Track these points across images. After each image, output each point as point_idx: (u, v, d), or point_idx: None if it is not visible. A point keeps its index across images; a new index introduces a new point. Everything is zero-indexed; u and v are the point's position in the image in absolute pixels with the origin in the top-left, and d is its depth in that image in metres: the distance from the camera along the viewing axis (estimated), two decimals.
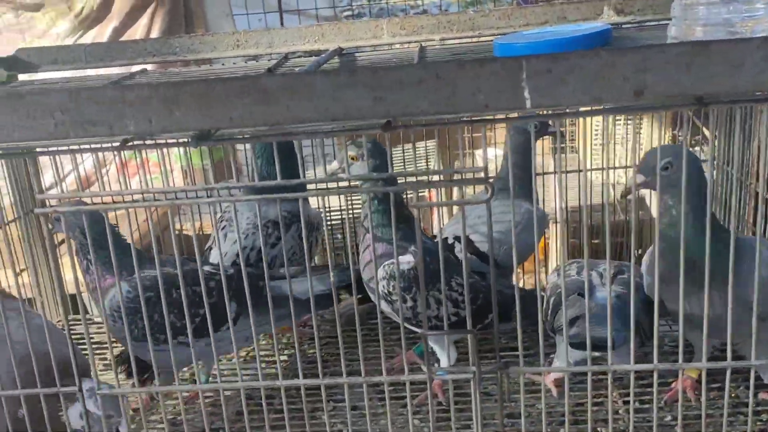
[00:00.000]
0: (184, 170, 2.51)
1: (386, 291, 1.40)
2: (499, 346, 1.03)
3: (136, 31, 4.38)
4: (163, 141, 1.01)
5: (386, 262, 1.38)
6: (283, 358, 1.81)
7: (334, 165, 1.36)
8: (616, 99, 0.86)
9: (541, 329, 1.00)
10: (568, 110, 0.97)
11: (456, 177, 1.01)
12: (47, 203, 1.01)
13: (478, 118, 0.95)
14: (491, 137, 2.40)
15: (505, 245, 1.73)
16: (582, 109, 0.95)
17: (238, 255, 1.74)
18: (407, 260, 1.38)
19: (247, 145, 2.06)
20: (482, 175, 0.95)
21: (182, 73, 1.80)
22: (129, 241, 1.38)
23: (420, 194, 2.51)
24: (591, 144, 2.96)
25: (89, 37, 3.81)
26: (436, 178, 1.01)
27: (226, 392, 1.28)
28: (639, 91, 0.85)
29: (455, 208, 2.34)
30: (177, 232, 1.12)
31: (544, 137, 1.94)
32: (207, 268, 1.61)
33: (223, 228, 1.88)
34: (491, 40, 1.41)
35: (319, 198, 2.14)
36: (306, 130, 0.98)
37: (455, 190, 2.35)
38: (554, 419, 1.32)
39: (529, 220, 1.75)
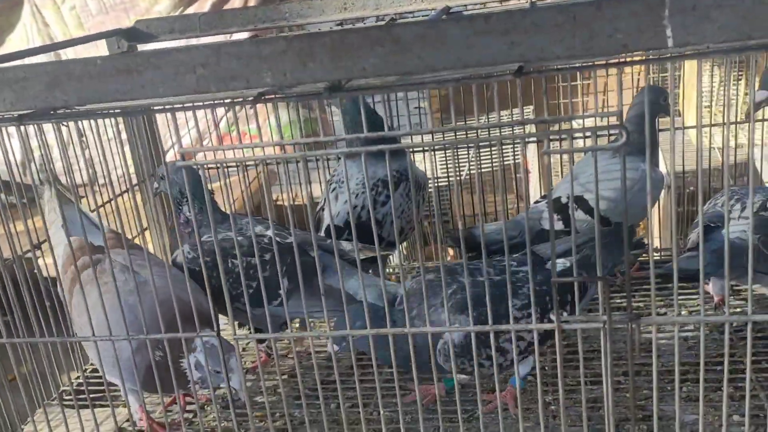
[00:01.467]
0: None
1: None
2: (630, 295, 1.01)
3: (233, 5, 4.50)
4: (295, 94, 1.03)
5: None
6: None
7: None
8: None
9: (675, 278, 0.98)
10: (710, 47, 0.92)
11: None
12: (191, 157, 1.06)
13: (614, 61, 0.92)
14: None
15: (619, 206, 1.69)
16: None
17: (349, 214, 1.78)
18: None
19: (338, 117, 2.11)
20: (616, 120, 0.93)
21: None
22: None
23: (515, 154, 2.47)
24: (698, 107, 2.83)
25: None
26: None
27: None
28: None
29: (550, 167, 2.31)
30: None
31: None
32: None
33: (333, 189, 1.92)
34: None
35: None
36: (435, 79, 0.98)
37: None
38: (688, 369, 1.28)
39: (644, 180, 1.70)
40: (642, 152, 1.69)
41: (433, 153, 2.50)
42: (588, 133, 1.48)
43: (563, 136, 0.97)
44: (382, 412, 1.22)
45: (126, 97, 1.00)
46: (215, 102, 1.05)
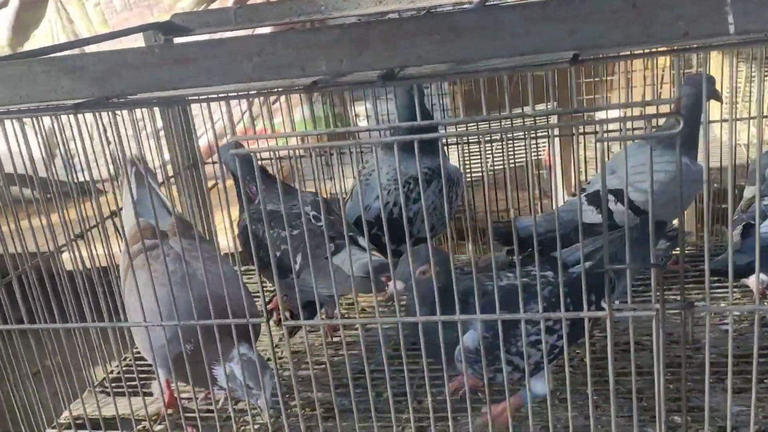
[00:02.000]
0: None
1: None
2: (684, 283, 1.01)
3: (257, 0, 4.51)
4: (347, 82, 1.04)
5: None
6: None
7: None
8: None
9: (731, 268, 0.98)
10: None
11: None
12: (244, 144, 1.07)
13: (677, 47, 0.92)
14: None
15: (663, 201, 1.68)
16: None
17: (380, 210, 1.78)
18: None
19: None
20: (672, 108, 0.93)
21: None
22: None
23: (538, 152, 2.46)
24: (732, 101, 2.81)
25: None
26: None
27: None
28: None
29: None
30: None
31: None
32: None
33: (368, 182, 1.92)
34: None
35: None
36: (489, 67, 0.98)
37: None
38: (741, 359, 1.28)
39: (686, 174, 1.69)
40: (682, 145, 1.70)
41: (458, 147, 2.51)
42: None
43: (611, 126, 0.97)
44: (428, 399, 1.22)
45: (182, 86, 1.02)
46: (269, 90, 1.06)
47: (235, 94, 1.25)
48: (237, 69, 0.99)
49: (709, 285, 1.00)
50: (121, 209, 1.69)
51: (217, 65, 1.00)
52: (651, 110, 1.75)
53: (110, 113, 1.16)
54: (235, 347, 1.31)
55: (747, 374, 1.32)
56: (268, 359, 1.76)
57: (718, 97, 1.72)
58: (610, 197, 1.68)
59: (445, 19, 0.93)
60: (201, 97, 1.06)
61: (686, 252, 2.01)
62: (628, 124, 1.95)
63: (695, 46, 0.99)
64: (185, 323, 1.25)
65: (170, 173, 2.07)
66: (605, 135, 0.94)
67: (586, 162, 2.31)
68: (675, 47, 0.94)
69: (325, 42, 0.97)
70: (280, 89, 1.07)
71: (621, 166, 1.73)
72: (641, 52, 0.95)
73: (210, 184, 2.27)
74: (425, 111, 1.83)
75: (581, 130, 2.09)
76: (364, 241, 1.60)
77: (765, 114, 2.11)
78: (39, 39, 5.03)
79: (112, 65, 1.02)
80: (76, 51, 1.70)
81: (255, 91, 1.08)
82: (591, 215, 1.67)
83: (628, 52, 1.02)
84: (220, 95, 1.16)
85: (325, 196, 2.00)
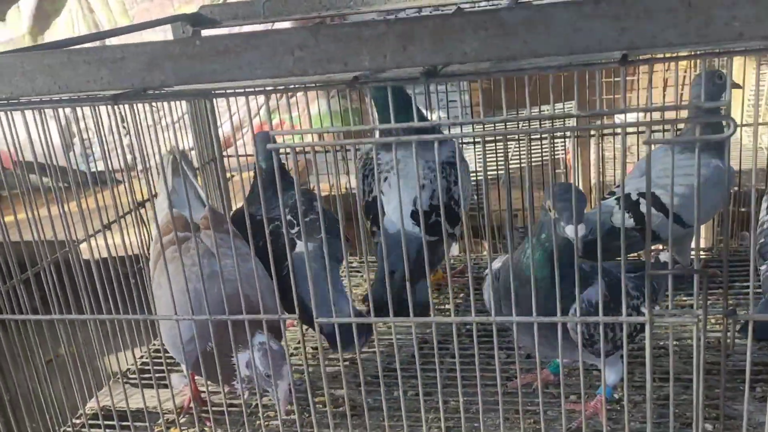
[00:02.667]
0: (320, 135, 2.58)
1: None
2: (727, 290, 1.00)
3: None
4: (391, 78, 1.03)
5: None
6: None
7: None
8: None
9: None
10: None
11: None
12: (278, 140, 1.06)
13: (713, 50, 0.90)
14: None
15: (691, 204, 1.66)
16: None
17: (415, 202, 1.76)
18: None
19: None
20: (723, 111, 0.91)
21: None
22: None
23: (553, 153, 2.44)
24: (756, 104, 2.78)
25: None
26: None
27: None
28: None
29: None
30: None
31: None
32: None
33: (386, 179, 1.87)
34: None
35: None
36: (535, 66, 0.97)
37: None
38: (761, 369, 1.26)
39: (717, 176, 1.67)
40: (712, 148, 1.68)
41: (474, 145, 2.49)
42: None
43: (662, 127, 0.95)
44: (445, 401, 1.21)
45: (223, 78, 1.01)
46: (308, 85, 1.05)
47: (272, 87, 1.24)
48: (279, 62, 0.98)
49: (753, 293, 0.98)
50: (147, 200, 1.69)
51: (258, 58, 0.99)
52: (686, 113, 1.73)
53: (148, 105, 1.15)
54: (255, 336, 1.31)
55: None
56: (293, 354, 1.77)
57: (737, 86, 1.69)
58: (641, 200, 1.66)
59: (494, 15, 0.91)
60: (238, 91, 1.05)
61: (702, 257, 1.98)
62: (657, 126, 1.92)
63: (742, 48, 0.97)
64: (215, 318, 1.25)
65: (195, 166, 2.08)
66: (652, 137, 0.92)
67: (604, 162, 2.29)
68: (720, 50, 0.92)
69: (369, 36, 0.95)
70: (319, 84, 1.06)
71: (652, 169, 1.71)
72: (689, 53, 0.93)
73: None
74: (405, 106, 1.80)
75: (601, 132, 2.08)
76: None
77: None
78: (59, 28, 5.05)
79: (153, 57, 1.02)
80: (97, 43, 1.72)
81: (294, 85, 1.07)
82: (619, 219, 1.65)
83: (676, 54, 1.00)
84: (257, 89, 1.15)
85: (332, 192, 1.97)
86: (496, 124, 1.04)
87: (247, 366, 1.34)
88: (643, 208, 1.64)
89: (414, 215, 1.76)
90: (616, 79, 2.63)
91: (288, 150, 1.20)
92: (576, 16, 0.88)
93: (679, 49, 0.91)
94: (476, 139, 2.34)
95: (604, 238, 1.61)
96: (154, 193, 1.64)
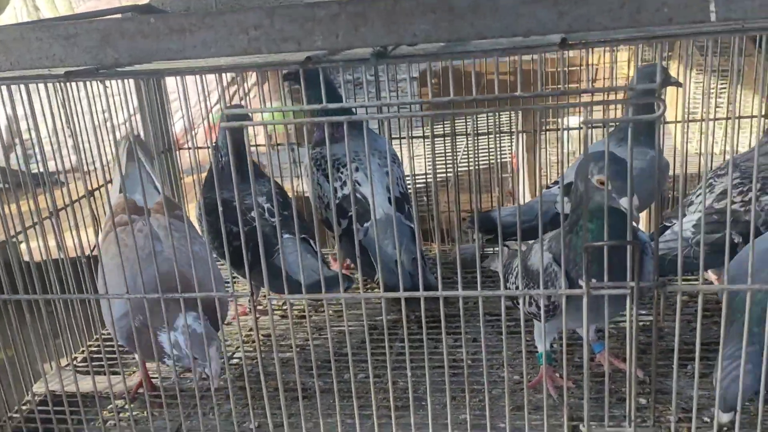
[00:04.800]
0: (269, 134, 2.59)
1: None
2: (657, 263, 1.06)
3: None
4: (342, 59, 1.06)
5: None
6: None
7: None
8: None
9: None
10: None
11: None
12: (233, 117, 1.09)
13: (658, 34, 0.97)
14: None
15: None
16: None
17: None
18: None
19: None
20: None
21: None
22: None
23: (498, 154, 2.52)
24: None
25: None
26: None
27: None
28: None
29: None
30: None
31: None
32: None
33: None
34: None
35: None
36: (480, 49, 1.02)
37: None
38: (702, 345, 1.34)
39: (652, 167, 1.75)
40: (648, 140, 1.76)
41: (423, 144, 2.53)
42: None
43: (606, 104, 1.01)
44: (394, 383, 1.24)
45: (178, 57, 1.02)
46: (265, 63, 1.08)
47: (228, 67, 1.25)
48: (234, 41, 1.01)
49: (682, 266, 1.05)
50: (100, 187, 1.69)
51: (213, 37, 1.01)
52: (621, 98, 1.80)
53: (100, 83, 1.16)
54: (179, 318, 1.32)
55: (709, 360, 1.38)
56: (245, 341, 1.78)
57: (676, 83, 1.78)
58: None
59: None
60: (195, 69, 1.07)
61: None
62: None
63: (676, 33, 1.04)
64: (147, 296, 1.27)
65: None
66: (589, 118, 0.98)
67: (549, 166, 2.37)
68: (657, 34, 0.98)
69: (322, 17, 0.98)
70: (273, 64, 1.09)
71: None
72: (626, 37, 0.99)
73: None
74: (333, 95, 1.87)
75: (544, 128, 2.16)
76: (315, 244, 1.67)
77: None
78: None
79: (106, 34, 1.03)
80: None
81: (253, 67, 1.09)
82: (568, 206, 1.72)
83: (613, 39, 1.06)
84: (213, 68, 1.17)
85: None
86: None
87: (174, 346, 1.37)
88: None
89: (392, 201, 1.81)
90: (571, 67, 2.72)
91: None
92: (519, 1, 0.93)
93: (615, 33, 0.97)
94: (426, 140, 2.39)
95: (549, 223, 1.68)
96: (108, 179, 1.64)
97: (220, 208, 1.17)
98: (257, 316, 1.80)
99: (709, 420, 1.26)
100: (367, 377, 1.30)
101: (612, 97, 1.75)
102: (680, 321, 1.07)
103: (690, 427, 1.18)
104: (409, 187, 2.00)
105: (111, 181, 1.64)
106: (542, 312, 1.16)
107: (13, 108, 1.29)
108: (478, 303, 1.17)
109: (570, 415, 1.33)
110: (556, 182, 1.88)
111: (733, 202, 1.58)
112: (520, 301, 1.39)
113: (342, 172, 1.89)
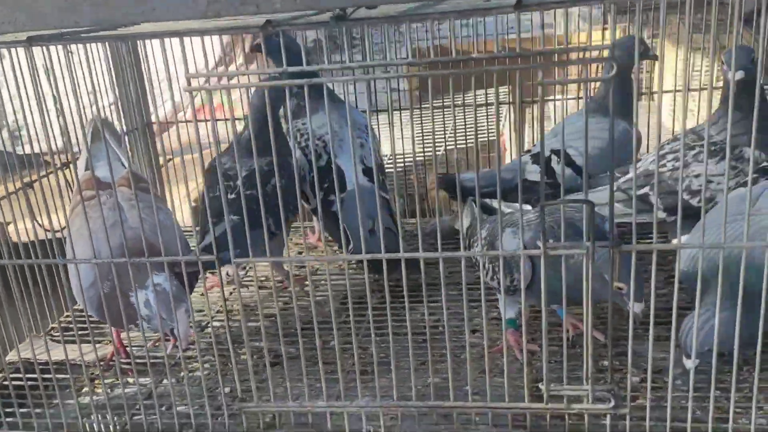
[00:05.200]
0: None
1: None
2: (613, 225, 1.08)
3: None
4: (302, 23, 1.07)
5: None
6: None
7: None
8: None
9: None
10: None
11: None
12: (195, 82, 1.10)
13: None
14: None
15: (598, 161, 1.76)
16: None
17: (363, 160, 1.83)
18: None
19: None
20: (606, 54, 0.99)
21: None
22: None
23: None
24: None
25: None
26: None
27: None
28: None
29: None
30: None
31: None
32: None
33: (342, 140, 1.89)
34: None
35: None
36: (438, 11, 1.03)
37: None
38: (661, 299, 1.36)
39: (624, 138, 1.78)
40: (621, 112, 1.79)
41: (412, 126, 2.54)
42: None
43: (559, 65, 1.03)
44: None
45: (139, 20, 1.04)
46: (224, 28, 1.09)
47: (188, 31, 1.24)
48: (193, 5, 1.01)
49: (636, 225, 1.07)
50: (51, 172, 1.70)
51: (173, 0, 1.02)
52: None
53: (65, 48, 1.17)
54: (152, 277, 1.35)
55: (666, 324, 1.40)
56: (220, 311, 1.80)
57: (653, 57, 1.80)
58: (553, 157, 1.76)
59: None
60: (157, 33, 1.08)
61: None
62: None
63: None
64: (114, 260, 1.30)
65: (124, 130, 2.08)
66: (544, 80, 0.99)
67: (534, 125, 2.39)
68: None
69: None
70: (233, 28, 1.10)
71: (564, 130, 1.82)
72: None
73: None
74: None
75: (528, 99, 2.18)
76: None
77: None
78: None
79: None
80: None
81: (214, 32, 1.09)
82: (534, 174, 1.74)
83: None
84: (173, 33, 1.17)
85: None
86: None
87: (145, 305, 1.39)
88: (554, 164, 1.74)
89: (366, 173, 1.84)
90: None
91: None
92: None
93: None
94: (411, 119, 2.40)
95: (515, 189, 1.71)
96: (77, 155, 1.66)
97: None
98: (226, 282, 1.82)
99: (666, 381, 1.28)
100: (344, 344, 1.31)
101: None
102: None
103: (646, 387, 1.21)
104: (386, 159, 2.01)
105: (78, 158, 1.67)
106: (501, 279, 1.18)
107: None
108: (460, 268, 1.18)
109: (534, 378, 1.36)
110: (528, 151, 1.91)
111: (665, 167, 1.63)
112: (482, 274, 1.40)
113: (318, 145, 1.90)
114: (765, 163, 1.53)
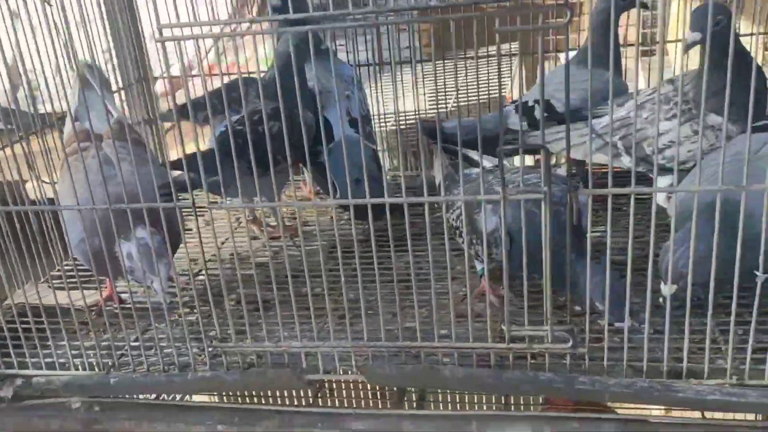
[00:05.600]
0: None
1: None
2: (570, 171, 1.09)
3: None
4: None
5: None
6: None
7: None
8: None
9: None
10: None
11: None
12: (167, 33, 1.12)
13: None
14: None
15: (581, 112, 1.76)
16: None
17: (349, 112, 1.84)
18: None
19: None
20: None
21: None
22: None
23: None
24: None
25: None
26: None
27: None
28: None
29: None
30: None
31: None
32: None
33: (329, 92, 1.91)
34: None
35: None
36: None
37: None
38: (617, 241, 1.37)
39: (606, 89, 1.77)
40: (604, 62, 1.78)
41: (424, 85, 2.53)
42: None
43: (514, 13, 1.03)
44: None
45: None
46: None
47: None
48: None
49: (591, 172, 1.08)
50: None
51: None
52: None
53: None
54: (136, 230, 1.38)
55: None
56: (211, 260, 1.85)
57: (642, 5, 1.79)
58: (536, 106, 1.77)
59: None
60: None
61: None
62: None
63: None
64: (96, 207, 1.33)
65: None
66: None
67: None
68: None
69: None
70: None
71: (550, 82, 1.82)
72: None
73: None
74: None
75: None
76: None
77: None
78: None
79: None
80: None
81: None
82: (515, 122, 1.76)
83: None
84: None
85: None
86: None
87: (128, 257, 1.44)
88: (536, 113, 1.75)
89: (352, 124, 1.86)
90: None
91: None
92: None
93: None
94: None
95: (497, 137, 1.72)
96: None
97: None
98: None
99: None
100: (326, 290, 1.34)
101: None
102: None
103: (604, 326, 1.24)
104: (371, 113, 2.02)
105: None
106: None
107: None
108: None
109: (500, 320, 1.39)
110: (513, 101, 1.92)
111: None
112: (464, 242, 1.41)
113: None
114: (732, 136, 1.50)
